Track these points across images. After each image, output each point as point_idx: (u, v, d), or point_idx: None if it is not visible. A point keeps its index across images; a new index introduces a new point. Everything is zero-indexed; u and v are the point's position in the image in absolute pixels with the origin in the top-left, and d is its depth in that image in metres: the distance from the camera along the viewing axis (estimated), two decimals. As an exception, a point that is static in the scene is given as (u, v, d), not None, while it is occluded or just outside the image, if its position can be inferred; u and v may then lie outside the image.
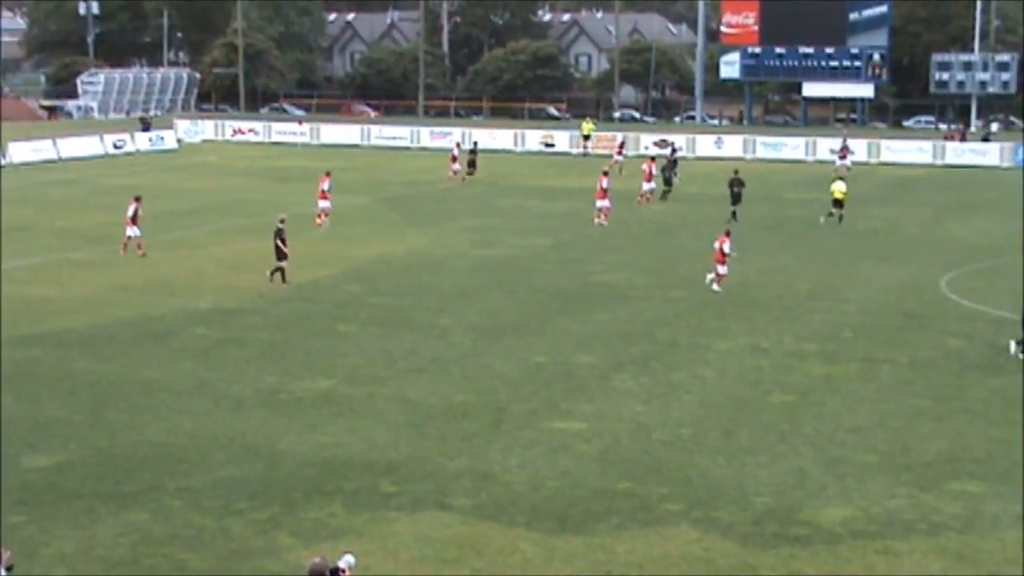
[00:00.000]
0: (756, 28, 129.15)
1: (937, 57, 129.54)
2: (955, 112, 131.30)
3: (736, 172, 57.69)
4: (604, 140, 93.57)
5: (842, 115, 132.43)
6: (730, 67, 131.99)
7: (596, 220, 54.41)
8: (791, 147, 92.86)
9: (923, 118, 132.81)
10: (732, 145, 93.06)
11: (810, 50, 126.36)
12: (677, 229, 54.09)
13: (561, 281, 41.35)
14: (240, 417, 25.78)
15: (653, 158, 68.64)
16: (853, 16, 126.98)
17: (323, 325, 34.42)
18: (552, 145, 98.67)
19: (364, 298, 38.21)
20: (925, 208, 61.45)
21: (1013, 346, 31.62)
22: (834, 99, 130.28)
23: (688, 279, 41.63)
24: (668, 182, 65.20)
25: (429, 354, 31.17)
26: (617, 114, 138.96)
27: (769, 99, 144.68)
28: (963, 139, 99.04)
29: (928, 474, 22.61)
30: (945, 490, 21.77)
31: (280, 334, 33.27)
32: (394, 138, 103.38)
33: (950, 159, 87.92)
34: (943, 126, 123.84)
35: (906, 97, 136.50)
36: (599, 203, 54.71)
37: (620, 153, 79.90)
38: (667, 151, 78.27)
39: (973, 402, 27.36)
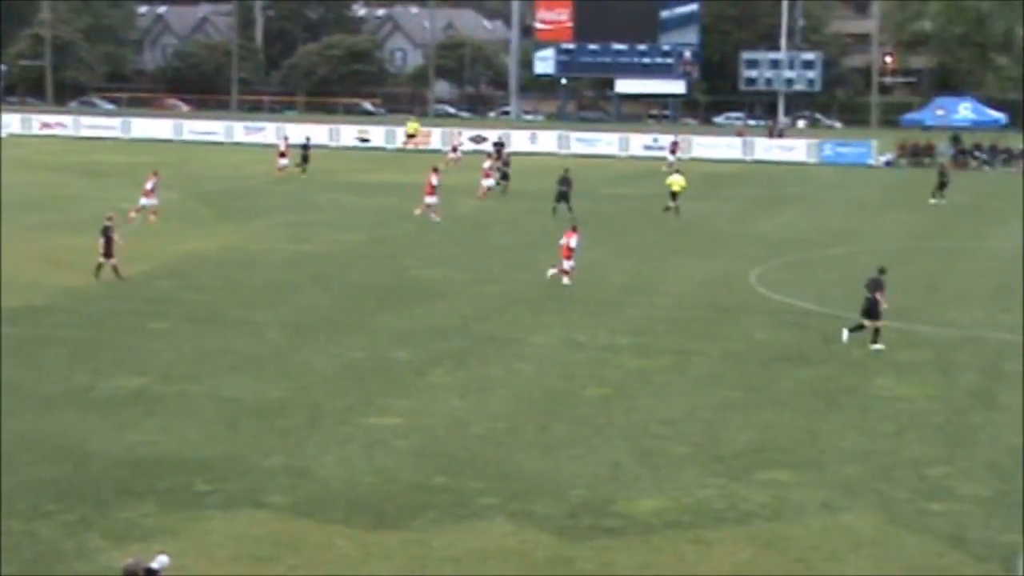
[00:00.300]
0: (570, 25, 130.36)
1: (746, 55, 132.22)
2: (763, 109, 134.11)
3: (567, 171, 58.14)
4: (423, 136, 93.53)
5: (655, 111, 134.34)
6: (544, 63, 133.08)
7: (417, 212, 54.43)
8: (605, 143, 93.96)
9: (733, 114, 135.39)
10: (546, 141, 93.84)
11: (623, 47, 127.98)
12: (492, 224, 54.35)
13: (377, 276, 41.27)
14: (49, 417, 25.23)
15: (490, 155, 69.36)
16: (664, 14, 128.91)
17: (135, 323, 33.84)
18: (367, 140, 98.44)
19: (177, 295, 37.66)
20: (735, 203, 62.67)
21: (846, 334, 32.39)
22: (647, 95, 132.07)
23: (503, 274, 41.89)
24: (505, 176, 65.78)
25: (243, 351, 30.86)
26: (433, 109, 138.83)
27: (583, 95, 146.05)
28: (771, 135, 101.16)
29: (738, 464, 23.06)
30: (754, 479, 22.22)
31: (91, 332, 32.64)
32: (207, 133, 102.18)
33: (759, 155, 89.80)
34: (752, 122, 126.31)
35: (716, 94, 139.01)
36: (428, 199, 54.72)
37: (455, 150, 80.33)
38: (494, 147, 78.78)
39: (781, 393, 27.98)
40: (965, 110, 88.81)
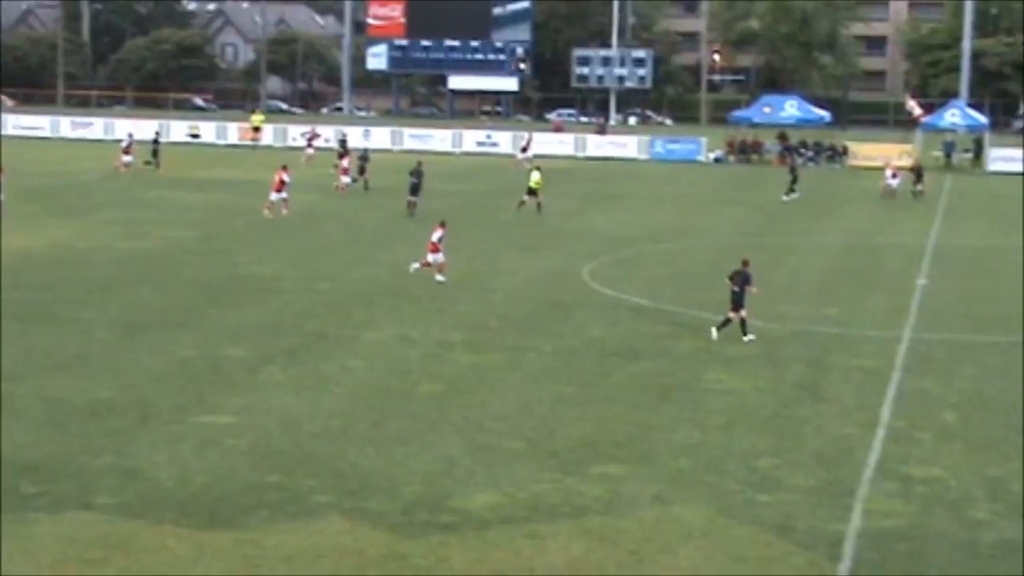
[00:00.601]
0: (403, 21, 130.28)
1: (577, 52, 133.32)
2: (595, 106, 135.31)
3: (420, 164, 58.13)
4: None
5: (487, 108, 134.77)
6: (377, 59, 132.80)
7: (266, 211, 53.97)
8: (438, 139, 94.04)
9: (565, 111, 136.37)
10: (380, 137, 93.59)
11: (455, 43, 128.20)
12: (326, 220, 54.07)
13: (209, 273, 40.79)
14: None
15: (347, 152, 69.28)
16: (497, 11, 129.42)
17: (-43, 322, 32.97)
18: (198, 136, 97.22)
19: (2, 294, 36.77)
20: (567, 200, 63.09)
21: (715, 332, 32.80)
22: (479, 92, 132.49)
23: (337, 271, 41.69)
24: (362, 171, 65.65)
25: (71, 350, 30.27)
26: (266, 105, 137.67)
27: (416, 91, 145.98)
28: (602, 132, 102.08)
29: (572, 458, 23.22)
30: (588, 473, 22.41)
31: (-90, 332, 31.73)
32: (33, 128, 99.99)
33: (591, 151, 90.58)
34: (584, 119, 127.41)
35: (548, 90, 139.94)
36: (274, 195, 54.28)
37: (310, 146, 79.97)
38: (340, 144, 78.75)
39: (613, 388, 28.26)
40: (791, 108, 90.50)
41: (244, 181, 68.61)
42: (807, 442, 24.50)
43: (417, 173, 56.70)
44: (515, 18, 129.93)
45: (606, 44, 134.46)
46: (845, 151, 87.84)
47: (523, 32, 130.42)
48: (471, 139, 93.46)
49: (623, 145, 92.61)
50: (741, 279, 33.02)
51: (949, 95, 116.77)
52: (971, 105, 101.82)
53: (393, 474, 22.06)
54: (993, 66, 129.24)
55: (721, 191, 70.43)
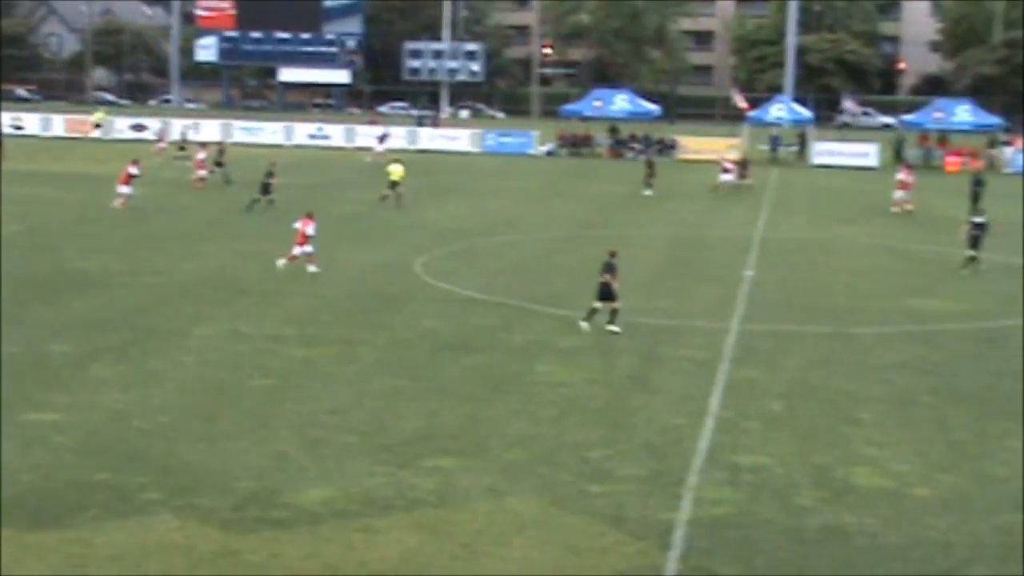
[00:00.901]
0: (232, 12, 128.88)
1: (409, 45, 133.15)
2: (427, 99, 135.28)
3: (273, 164, 57.70)
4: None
5: (319, 100, 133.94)
6: (206, 51, 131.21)
7: (117, 203, 53.34)
8: (269, 132, 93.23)
9: (397, 104, 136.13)
10: (210, 130, 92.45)
11: (286, 35, 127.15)
12: (157, 214, 53.28)
13: (33, 268, 39.91)
14: None
15: (204, 145, 68.45)
16: (328, 3, 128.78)
17: None
18: (21, 128, 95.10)
19: None
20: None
21: (584, 324, 33.03)
22: (311, 84, 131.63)
23: (166, 265, 41.10)
24: (219, 164, 64.88)
25: None
26: (92, 96, 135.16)
27: (247, 83, 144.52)
28: (435, 125, 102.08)
29: (405, 452, 23.21)
30: (421, 467, 22.41)
31: None
32: None
33: (424, 144, 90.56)
34: (415, 112, 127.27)
35: (380, 83, 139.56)
36: (121, 188, 53.62)
37: (161, 142, 78.96)
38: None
39: (446, 380, 28.30)
40: (621, 101, 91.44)
41: (70, 174, 67.33)
42: (638, 433, 24.79)
43: (270, 173, 56.36)
44: (346, 11, 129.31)
45: (438, 37, 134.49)
46: (674, 145, 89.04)
47: (354, 24, 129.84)
48: (302, 132, 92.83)
49: (455, 138, 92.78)
50: (607, 270, 33.37)
51: (774, 90, 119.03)
52: (796, 100, 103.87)
53: (224, 470, 21.83)
54: (816, 62, 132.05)
55: (553, 184, 70.90)
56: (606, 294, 33.15)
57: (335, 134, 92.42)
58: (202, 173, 63.43)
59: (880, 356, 31.58)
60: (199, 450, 22.85)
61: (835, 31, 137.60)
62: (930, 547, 19.42)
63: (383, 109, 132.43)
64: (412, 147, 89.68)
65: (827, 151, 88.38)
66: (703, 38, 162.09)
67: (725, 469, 22.70)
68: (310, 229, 40.12)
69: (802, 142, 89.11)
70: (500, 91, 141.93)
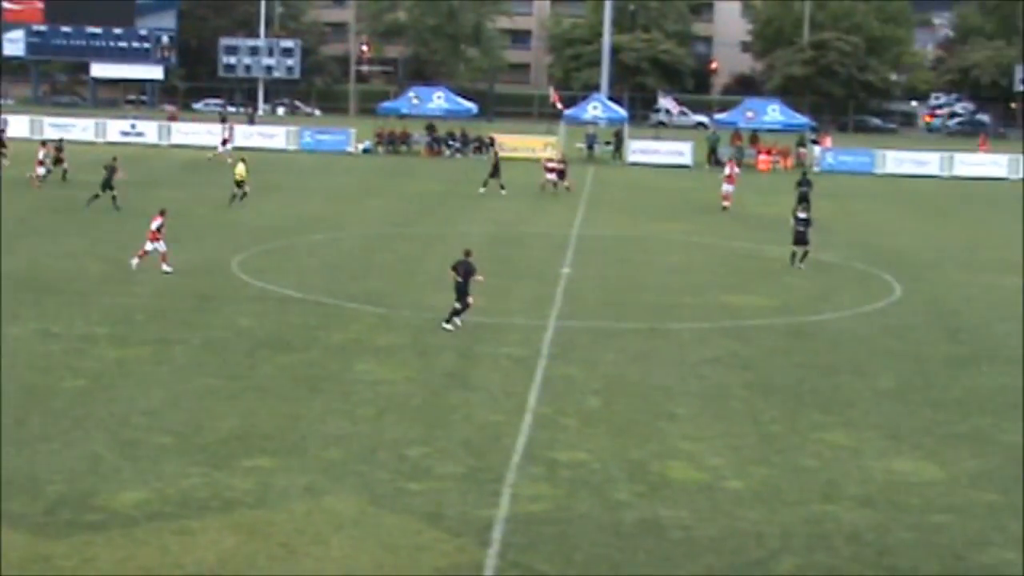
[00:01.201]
0: (41, 6, 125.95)
1: (224, 41, 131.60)
2: (244, 95, 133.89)
3: (114, 159, 56.51)
4: None
5: (132, 96, 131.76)
6: (14, 45, 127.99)
7: None
8: (80, 128, 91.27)
9: (212, 101, 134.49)
10: (18, 126, 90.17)
11: (98, 30, 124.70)
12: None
13: None
14: None
15: (44, 143, 66.69)
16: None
17: None
18: None
19: None
20: (216, 190, 62.16)
21: (447, 324, 33.18)
22: (124, 80, 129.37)
23: (-27, 264, 40.08)
24: (58, 160, 63.47)
25: None
26: None
27: (57, 79, 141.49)
28: (251, 122, 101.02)
29: (221, 452, 22.97)
30: (238, 467, 22.20)
31: None
32: None
33: (239, 142, 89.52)
34: (232, 109, 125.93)
35: (195, 80, 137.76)
36: None
37: None
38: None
39: (263, 379, 28.06)
40: (439, 99, 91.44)
41: None
42: (456, 430, 24.86)
43: (110, 168, 55.29)
44: (160, 6, 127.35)
45: (254, 34, 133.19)
46: (492, 142, 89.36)
47: (168, 20, 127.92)
48: (115, 128, 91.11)
49: (272, 136, 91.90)
50: (464, 269, 33.39)
51: (590, 88, 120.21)
52: (611, 98, 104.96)
53: (35, 473, 21.37)
54: (631, 61, 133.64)
55: (370, 182, 70.66)
56: (462, 292, 33.32)
57: (148, 131, 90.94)
58: (41, 171, 62.10)
59: (695, 352, 32.12)
60: (8, 453, 22.31)
61: (649, 31, 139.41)
62: (742, 538, 19.82)
63: (198, 106, 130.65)
64: (229, 146, 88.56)
65: (642, 149, 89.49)
66: (520, 36, 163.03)
67: (543, 465, 22.89)
68: (155, 224, 39.68)
69: (618, 140, 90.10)
70: (317, 88, 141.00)
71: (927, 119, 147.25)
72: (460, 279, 33.35)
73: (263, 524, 19.66)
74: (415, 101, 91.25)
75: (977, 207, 68.58)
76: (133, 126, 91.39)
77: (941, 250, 51.09)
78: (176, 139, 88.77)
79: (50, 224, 48.21)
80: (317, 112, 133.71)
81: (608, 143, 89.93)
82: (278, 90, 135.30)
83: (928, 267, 46.65)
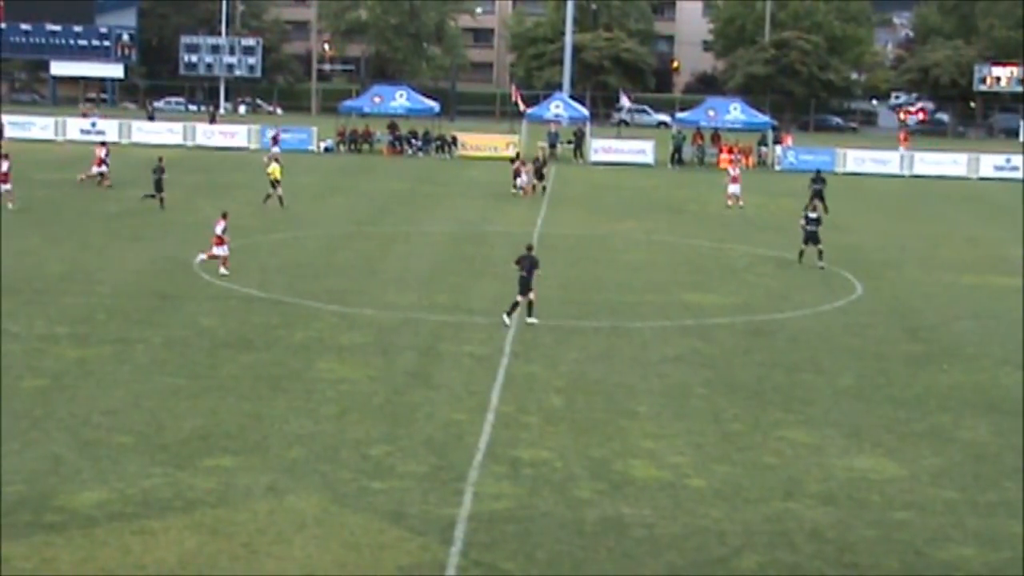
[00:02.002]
0: (0, 4, 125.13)
1: (185, 39, 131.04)
2: (205, 94, 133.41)
3: (160, 159, 56.60)
4: None
5: (92, 95, 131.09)
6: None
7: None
8: (40, 127, 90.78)
9: (173, 99, 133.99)
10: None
11: (57, 28, 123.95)
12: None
13: None
14: None
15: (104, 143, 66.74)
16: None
17: None
18: None
19: None
20: (177, 190, 61.87)
21: (506, 318, 34.02)
22: (84, 78, 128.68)
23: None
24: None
25: None
26: None
27: (16, 77, 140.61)
28: (213, 121, 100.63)
29: (183, 452, 22.90)
30: (200, 466, 22.14)
31: None
32: None
33: (200, 140, 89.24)
34: (193, 107, 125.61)
35: (156, 78, 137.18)
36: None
37: None
38: None
39: (225, 379, 27.99)
40: (401, 98, 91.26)
41: None
42: (419, 429, 24.86)
43: (159, 170, 55.96)
44: (120, 4, 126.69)
45: (215, 32, 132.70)
46: (454, 141, 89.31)
47: (128, 18, 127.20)
48: (75, 127, 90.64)
49: (233, 134, 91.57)
50: (527, 264, 34.17)
51: (552, 87, 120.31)
52: (573, 97, 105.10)
53: (-6, 474, 21.25)
54: (593, 60, 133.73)
55: (332, 180, 70.50)
56: (525, 287, 34.08)
57: (109, 129, 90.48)
58: (98, 171, 62.40)
59: (656, 350, 32.21)
60: (-33, 454, 22.18)
61: (611, 29, 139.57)
62: (704, 536, 19.89)
63: (159, 104, 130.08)
64: (189, 143, 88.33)
65: (604, 148, 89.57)
66: (482, 35, 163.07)
67: (505, 464, 22.91)
68: (219, 228, 40.08)
69: (580, 139, 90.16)
70: (279, 87, 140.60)
71: (904, 115, 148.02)
72: (524, 273, 34.19)
73: (225, 524, 19.61)
74: (377, 100, 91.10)
75: (937, 206, 69.00)
76: (93, 124, 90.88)
77: (901, 249, 51.37)
78: (136, 137, 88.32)
79: (8, 223, 47.88)
80: (279, 111, 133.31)
81: (570, 142, 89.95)
82: (239, 88, 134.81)
83: (888, 266, 46.91)
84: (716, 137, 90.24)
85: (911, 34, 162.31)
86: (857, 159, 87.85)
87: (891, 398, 28.45)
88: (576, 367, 30.16)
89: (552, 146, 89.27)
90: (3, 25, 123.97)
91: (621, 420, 25.96)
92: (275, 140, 77.47)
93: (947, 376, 30.72)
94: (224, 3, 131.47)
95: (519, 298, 34.22)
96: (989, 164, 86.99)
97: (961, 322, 37.26)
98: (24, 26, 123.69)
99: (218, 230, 40.17)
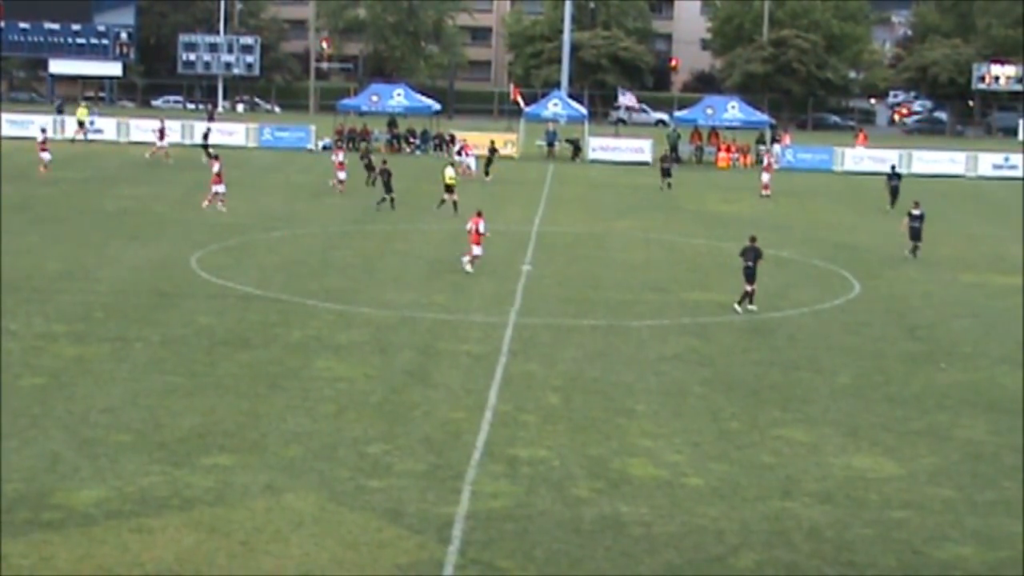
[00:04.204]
0: (0, 3, 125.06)
1: (184, 38, 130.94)
2: (203, 92, 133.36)
3: (384, 161, 57.70)
4: None
5: (90, 93, 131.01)
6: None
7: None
8: (38, 125, 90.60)
9: (172, 97, 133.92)
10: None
11: (56, 26, 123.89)
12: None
13: None
14: None
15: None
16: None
17: None
18: None
19: None
20: (174, 188, 62.03)
21: (739, 307, 36.34)
22: (82, 77, 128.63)
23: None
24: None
25: None
26: None
27: (15, 75, 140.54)
28: (211, 119, 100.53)
29: (181, 450, 22.91)
30: (198, 465, 22.15)
31: None
32: None
33: (199, 139, 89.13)
34: (191, 106, 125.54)
35: (154, 76, 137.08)
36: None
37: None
38: None
39: (223, 377, 27.99)
40: (399, 96, 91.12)
41: None
42: (417, 427, 24.87)
43: (385, 172, 57.16)
44: (118, 2, 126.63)
45: (213, 30, 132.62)
46: (452, 140, 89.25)
47: (127, 16, 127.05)
48: (73, 125, 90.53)
49: (231, 133, 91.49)
50: (752, 254, 36.21)
51: (551, 86, 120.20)
52: (571, 96, 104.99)
53: (-7, 472, 21.25)
54: (591, 58, 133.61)
55: (329, 179, 70.35)
56: (750, 277, 36.22)
57: (107, 127, 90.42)
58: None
59: (654, 348, 32.21)
60: (-35, 452, 22.19)
61: (609, 28, 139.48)
62: (702, 535, 19.90)
63: (157, 103, 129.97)
64: (187, 142, 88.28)
65: (602, 147, 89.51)
66: (480, 34, 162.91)
67: (503, 462, 22.92)
68: (481, 227, 41.30)
69: (575, 148, 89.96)
70: (277, 85, 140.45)
71: (899, 115, 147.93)
72: (750, 263, 36.13)
73: (222, 522, 19.62)
74: (375, 98, 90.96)
75: (935, 204, 68.90)
76: (92, 122, 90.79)
77: (899, 247, 51.36)
78: (135, 136, 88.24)
79: (7, 221, 47.86)
80: (277, 109, 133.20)
81: (568, 140, 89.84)
82: (237, 87, 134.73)
83: (886, 264, 46.91)
84: (714, 136, 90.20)
85: (909, 32, 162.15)
86: (855, 158, 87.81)
87: (889, 397, 28.47)
88: (574, 366, 30.17)
89: (550, 145, 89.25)
90: (1, 24, 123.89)
91: (619, 419, 25.97)
92: (462, 151, 77.31)
93: (945, 375, 30.74)
94: (222, 1, 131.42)
95: (749, 287, 36.19)
96: (988, 163, 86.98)
97: (959, 321, 37.28)
98: (23, 24, 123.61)
99: (481, 228, 41.44)
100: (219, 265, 41.33)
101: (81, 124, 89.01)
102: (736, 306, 36.54)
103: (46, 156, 64.81)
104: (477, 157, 72.93)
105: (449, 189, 56.45)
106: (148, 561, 18.10)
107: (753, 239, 37.18)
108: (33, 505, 19.91)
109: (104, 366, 28.56)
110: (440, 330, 33.37)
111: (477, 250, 41.59)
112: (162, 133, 77.45)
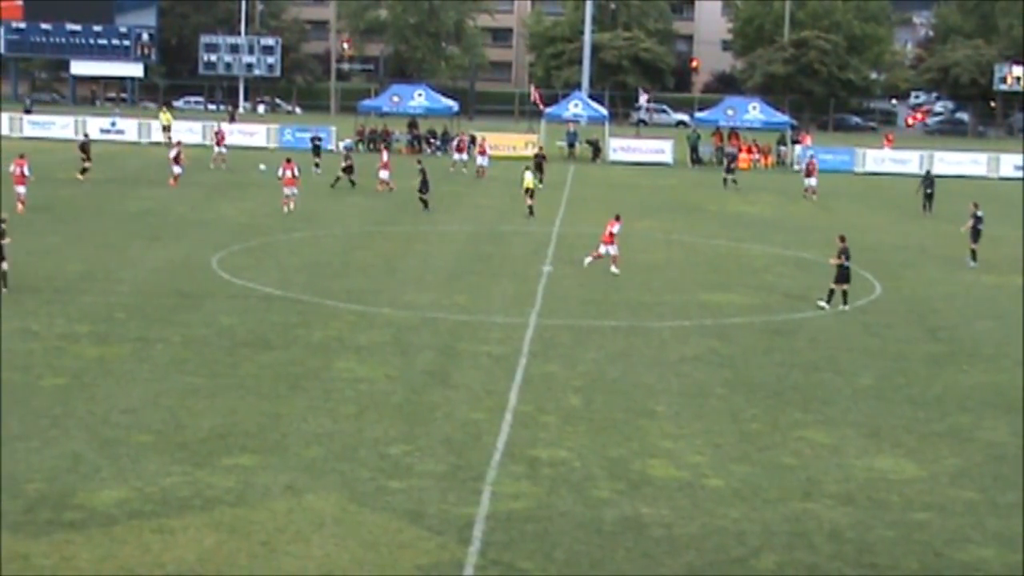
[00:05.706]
0: (20, 3, 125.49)
1: (205, 39, 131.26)
2: (224, 93, 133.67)
3: (420, 162, 57.82)
4: None
5: (112, 94, 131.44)
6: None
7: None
8: (60, 125, 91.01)
9: (193, 98, 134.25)
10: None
11: (77, 27, 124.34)
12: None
13: None
14: None
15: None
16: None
17: None
18: None
19: None
20: (196, 189, 62.17)
21: (825, 304, 37.39)
22: (104, 77, 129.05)
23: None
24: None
25: None
26: None
27: (36, 76, 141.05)
28: (232, 120, 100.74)
29: (202, 450, 22.95)
30: (218, 465, 22.18)
31: None
32: None
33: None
34: (212, 107, 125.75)
35: (176, 77, 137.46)
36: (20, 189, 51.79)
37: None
38: None
39: (244, 378, 28.03)
40: (420, 97, 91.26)
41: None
42: (437, 428, 24.87)
43: (423, 171, 58.21)
44: (140, 3, 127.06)
45: (234, 31, 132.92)
46: (473, 141, 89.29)
47: (148, 17, 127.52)
48: (95, 126, 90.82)
49: (252, 133, 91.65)
50: (845, 255, 37.26)
51: (571, 87, 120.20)
52: (592, 97, 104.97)
53: (14, 472, 21.32)
54: (612, 59, 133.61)
55: (375, 184, 70.44)
56: (843, 277, 37.15)
57: (128, 128, 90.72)
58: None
59: (675, 350, 32.16)
60: (-13, 452, 22.25)
61: (630, 29, 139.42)
62: (723, 536, 19.87)
63: (178, 104, 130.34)
64: (208, 142, 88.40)
65: (623, 148, 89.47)
66: (501, 34, 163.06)
67: (524, 463, 22.91)
68: (616, 228, 41.97)
69: (595, 150, 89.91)
70: (298, 86, 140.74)
71: (913, 119, 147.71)
72: (845, 263, 37.14)
73: (244, 522, 19.64)
74: (396, 99, 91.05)
75: (956, 205, 68.65)
76: (113, 124, 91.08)
77: (921, 248, 51.23)
78: (157, 136, 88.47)
79: (29, 222, 48.01)
80: (298, 110, 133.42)
81: (589, 141, 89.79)
82: (258, 88, 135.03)
83: (908, 265, 46.79)
84: (735, 136, 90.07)
85: (931, 33, 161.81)
86: (877, 159, 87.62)
87: (910, 398, 28.38)
88: (594, 367, 30.14)
89: (571, 145, 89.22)
90: (24, 25, 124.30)
91: (639, 420, 25.94)
92: (460, 149, 77.65)
93: (967, 376, 30.64)
94: (243, 2, 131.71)
95: (844, 287, 37.23)
96: (1009, 164, 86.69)
97: (981, 322, 37.15)
98: (45, 26, 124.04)
99: (615, 230, 42.11)
100: (240, 266, 41.41)
101: (166, 128, 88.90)
102: (842, 305, 37.47)
103: (177, 170, 64.24)
104: (491, 158, 73.19)
105: (529, 194, 56.41)
106: (169, 561, 18.13)
107: (843, 238, 38.08)
108: (55, 505, 19.96)
109: (125, 366, 28.63)
110: (461, 331, 33.37)
111: (603, 249, 42.36)
112: (220, 137, 77.35)
